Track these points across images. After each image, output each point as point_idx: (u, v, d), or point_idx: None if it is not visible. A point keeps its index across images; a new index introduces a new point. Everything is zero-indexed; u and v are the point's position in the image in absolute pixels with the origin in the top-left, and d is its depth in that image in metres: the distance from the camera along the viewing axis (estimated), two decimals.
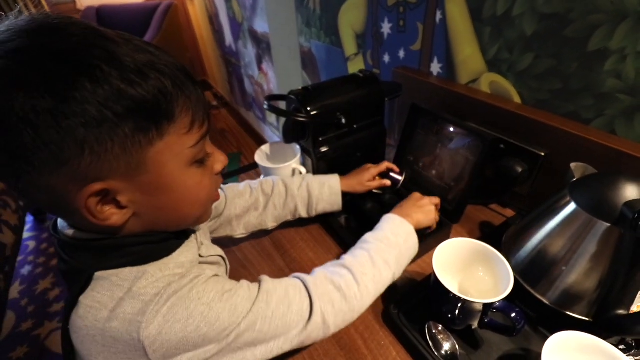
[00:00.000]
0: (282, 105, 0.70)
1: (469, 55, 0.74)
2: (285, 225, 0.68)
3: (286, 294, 0.41)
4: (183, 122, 0.33)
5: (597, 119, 0.58)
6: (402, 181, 0.69)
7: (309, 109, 0.64)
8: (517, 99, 0.69)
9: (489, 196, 0.72)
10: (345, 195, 0.66)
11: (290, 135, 0.69)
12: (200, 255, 0.43)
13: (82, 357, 0.34)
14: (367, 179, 0.68)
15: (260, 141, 2.53)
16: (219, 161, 0.40)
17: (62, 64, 0.27)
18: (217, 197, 0.44)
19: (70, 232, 0.35)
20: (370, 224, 0.62)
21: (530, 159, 0.63)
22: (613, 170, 0.53)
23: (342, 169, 0.75)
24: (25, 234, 1.89)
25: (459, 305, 0.43)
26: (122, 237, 0.35)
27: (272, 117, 2.16)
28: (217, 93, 3.32)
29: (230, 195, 0.61)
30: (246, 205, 0.61)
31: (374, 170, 0.69)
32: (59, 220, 0.37)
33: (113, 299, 0.33)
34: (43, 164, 0.27)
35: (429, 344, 0.47)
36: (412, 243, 0.53)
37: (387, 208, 0.59)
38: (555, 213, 0.47)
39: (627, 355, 0.41)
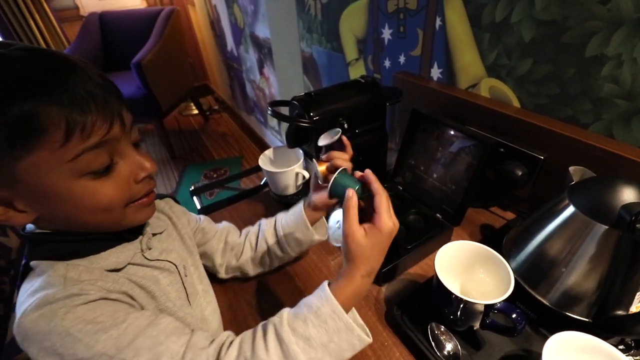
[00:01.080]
0: (285, 110, 0.71)
1: (468, 60, 0.75)
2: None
3: (161, 348, 0.34)
4: (54, 136, 0.31)
5: (595, 123, 0.59)
6: None
7: (312, 114, 0.66)
8: (516, 104, 0.70)
9: (489, 199, 0.73)
10: None
11: (294, 140, 0.70)
12: (145, 257, 0.43)
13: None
14: (317, 186, 0.56)
15: (262, 145, 2.54)
16: (144, 168, 0.38)
17: None
18: (146, 201, 0.41)
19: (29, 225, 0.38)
20: None
21: (530, 162, 0.64)
22: (611, 174, 0.54)
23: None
24: None
25: (461, 306, 0.44)
26: (47, 232, 0.38)
27: (273, 121, 2.17)
28: (219, 97, 3.34)
29: (222, 231, 0.61)
30: (233, 243, 0.60)
31: (320, 167, 0.55)
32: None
33: (31, 287, 0.35)
34: None
35: (431, 344, 0.47)
36: (354, 342, 0.38)
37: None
38: (555, 216, 0.48)
39: (627, 355, 0.42)
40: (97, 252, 0.39)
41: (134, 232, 0.43)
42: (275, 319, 0.39)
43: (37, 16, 2.69)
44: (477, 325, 0.48)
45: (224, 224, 0.63)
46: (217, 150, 2.71)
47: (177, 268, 0.48)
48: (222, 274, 0.61)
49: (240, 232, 0.63)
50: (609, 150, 0.55)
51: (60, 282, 0.35)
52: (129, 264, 0.41)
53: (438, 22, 0.78)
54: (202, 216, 0.61)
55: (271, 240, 0.59)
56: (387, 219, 0.39)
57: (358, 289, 0.39)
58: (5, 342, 1.34)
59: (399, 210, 0.65)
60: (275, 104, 0.68)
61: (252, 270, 0.61)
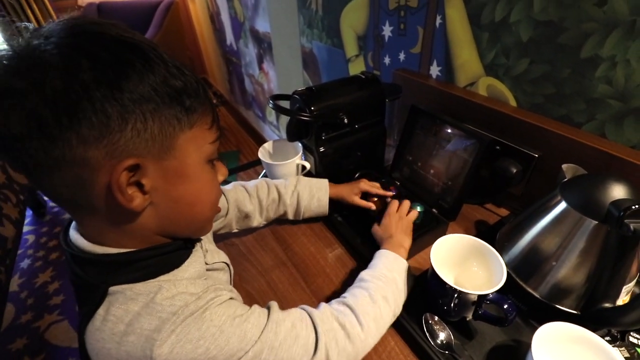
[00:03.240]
0: (286, 104, 0.72)
1: (467, 59, 0.76)
2: (286, 220, 0.71)
3: (293, 326, 0.41)
4: (206, 119, 0.37)
5: (588, 123, 0.61)
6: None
7: (312, 108, 0.67)
8: (512, 102, 0.71)
9: (484, 196, 0.75)
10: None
11: (294, 133, 0.71)
12: (206, 263, 0.45)
13: None
14: (356, 193, 0.69)
15: (259, 139, 2.54)
16: (222, 173, 0.43)
17: (125, 47, 0.31)
18: (219, 209, 0.47)
19: (83, 244, 0.35)
20: (367, 220, 0.65)
21: (525, 160, 0.65)
22: (602, 172, 0.56)
23: (342, 166, 0.78)
24: (25, 228, 1.89)
25: (455, 296, 0.46)
26: (132, 252, 0.36)
27: (271, 116, 2.17)
28: (217, 91, 3.33)
29: (232, 199, 0.65)
30: (247, 210, 0.65)
31: (364, 185, 0.70)
32: (71, 232, 0.37)
33: (128, 313, 0.33)
34: (88, 133, 0.29)
35: (425, 334, 0.49)
36: (407, 277, 0.54)
37: (385, 206, 0.62)
38: (547, 211, 0.50)
39: (613, 346, 0.44)
40: (179, 264, 0.39)
41: (192, 241, 0.44)
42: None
43: (34, 6, 2.66)
44: (469, 316, 0.49)
45: (228, 192, 0.65)
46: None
47: (228, 267, 0.51)
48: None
49: (246, 189, 0.67)
50: (601, 149, 0.56)
51: (183, 300, 0.35)
52: (205, 271, 0.43)
53: (438, 20, 0.79)
54: None
55: (290, 214, 0.69)
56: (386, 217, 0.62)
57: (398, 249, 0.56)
58: (1, 330, 1.35)
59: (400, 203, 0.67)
60: (276, 97, 0.69)
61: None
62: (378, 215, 0.64)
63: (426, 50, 0.86)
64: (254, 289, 0.61)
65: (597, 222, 0.44)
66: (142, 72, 0.30)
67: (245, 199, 0.66)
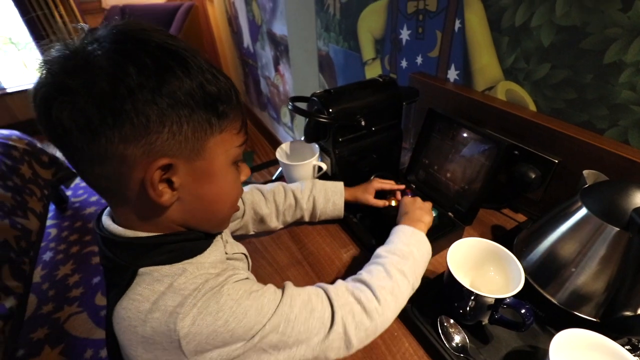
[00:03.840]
0: (303, 106, 0.73)
1: (486, 63, 0.76)
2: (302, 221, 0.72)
3: (309, 300, 0.42)
4: (236, 124, 0.39)
5: (610, 129, 0.60)
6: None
7: (330, 110, 0.68)
8: (532, 107, 0.71)
9: (501, 201, 0.74)
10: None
11: (311, 135, 0.72)
12: (226, 253, 0.47)
13: (123, 347, 0.37)
14: (370, 192, 0.71)
15: (274, 141, 2.57)
16: (245, 173, 0.45)
17: (167, 54, 0.33)
18: (238, 208, 0.49)
19: (115, 228, 0.38)
20: (382, 221, 0.65)
21: (544, 165, 0.65)
22: (624, 178, 0.55)
23: (358, 168, 0.78)
24: (48, 222, 1.96)
25: (472, 299, 0.46)
26: (159, 235, 0.39)
27: (286, 117, 2.20)
28: None
29: (248, 202, 0.66)
30: (263, 214, 0.67)
31: (377, 184, 0.72)
32: (104, 218, 0.40)
33: (155, 292, 0.35)
34: (129, 132, 0.32)
35: (440, 336, 0.49)
36: (425, 250, 0.54)
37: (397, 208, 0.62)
38: (567, 217, 0.50)
39: (634, 355, 0.43)
40: (201, 251, 0.41)
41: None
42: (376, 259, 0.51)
43: (61, 7, 2.77)
44: (485, 320, 0.49)
45: (248, 192, 0.68)
46: None
47: (246, 257, 0.53)
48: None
49: (263, 193, 0.68)
50: (624, 156, 0.55)
51: (204, 278, 0.37)
52: (225, 260, 0.45)
53: (457, 24, 0.79)
54: None
55: (307, 217, 0.70)
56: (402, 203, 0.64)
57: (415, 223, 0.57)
58: (24, 319, 1.40)
59: None
60: (295, 99, 0.70)
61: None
62: (395, 218, 0.65)
63: (444, 54, 0.86)
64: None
65: (618, 229, 0.43)
66: (181, 78, 0.33)
67: (261, 202, 0.67)
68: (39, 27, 2.78)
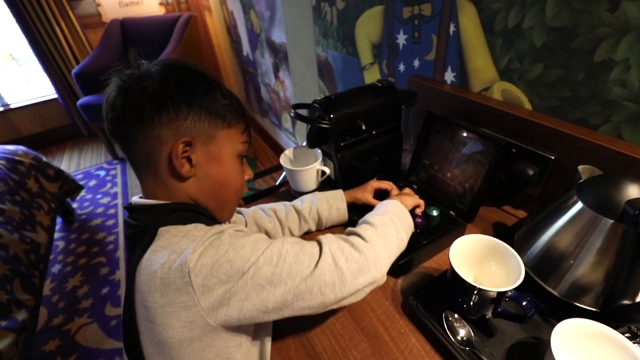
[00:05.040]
0: (305, 113, 0.76)
1: (481, 64, 0.78)
2: None
3: (300, 242, 0.47)
4: (240, 126, 0.51)
5: (604, 125, 0.62)
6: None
7: (331, 116, 0.70)
8: (527, 106, 0.73)
9: (501, 198, 0.76)
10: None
11: (314, 140, 0.75)
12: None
13: (143, 296, 0.42)
14: (369, 191, 0.73)
15: (275, 147, 2.60)
16: (248, 173, 0.56)
17: (197, 75, 0.48)
18: (242, 203, 0.57)
19: (142, 200, 0.48)
20: None
21: (541, 162, 0.67)
22: (617, 172, 0.57)
23: (361, 171, 0.80)
24: (55, 235, 1.99)
25: (475, 293, 0.47)
26: (180, 203, 0.48)
27: (287, 123, 2.22)
28: None
29: (250, 216, 0.70)
30: (267, 228, 0.70)
31: (375, 183, 0.74)
32: (132, 199, 0.50)
33: (172, 243, 0.43)
34: (166, 117, 0.44)
35: (446, 331, 0.51)
36: (403, 212, 0.58)
37: None
38: (564, 211, 0.51)
39: (633, 343, 0.44)
40: (207, 221, 0.49)
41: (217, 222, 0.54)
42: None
43: (62, 22, 2.81)
44: (489, 314, 0.51)
45: (246, 211, 0.71)
46: None
47: None
48: None
49: (264, 211, 0.72)
50: (617, 150, 0.57)
51: (212, 229, 0.45)
52: None
53: (452, 28, 0.82)
54: None
55: (313, 228, 0.74)
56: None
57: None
58: (36, 332, 1.42)
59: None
60: (297, 106, 0.73)
61: None
62: None
63: (440, 57, 0.88)
64: None
65: (613, 221, 0.45)
66: (204, 89, 0.47)
67: (263, 218, 0.70)
68: (41, 42, 2.83)
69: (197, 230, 0.44)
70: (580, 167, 0.53)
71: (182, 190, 0.48)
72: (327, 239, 0.48)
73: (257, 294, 0.41)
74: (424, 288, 0.59)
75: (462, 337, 0.50)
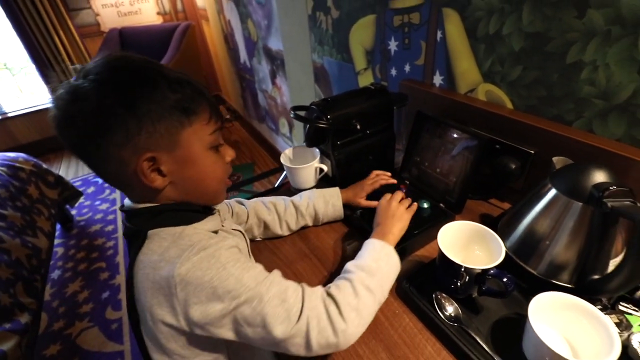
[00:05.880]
0: (304, 114, 0.81)
1: (466, 68, 0.84)
2: None
3: (285, 291, 0.46)
4: (204, 116, 0.48)
5: (577, 121, 0.67)
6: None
7: (328, 117, 0.75)
8: (509, 105, 0.78)
9: (488, 191, 0.81)
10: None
11: (312, 140, 0.80)
12: (222, 226, 0.57)
13: (139, 293, 0.47)
14: (361, 196, 0.77)
15: (273, 151, 2.65)
16: (229, 154, 0.54)
17: (138, 76, 0.44)
18: (229, 182, 0.57)
19: (132, 204, 0.50)
20: None
21: (522, 156, 0.72)
22: (586, 161, 0.62)
23: (356, 169, 0.85)
24: (55, 241, 2.01)
25: (461, 272, 0.52)
26: (165, 204, 0.49)
27: (284, 128, 2.28)
28: (230, 107, 3.48)
29: (251, 208, 0.75)
30: (266, 220, 0.74)
31: (368, 188, 0.78)
32: (125, 200, 0.52)
33: (161, 247, 0.46)
34: (118, 139, 0.43)
35: (436, 309, 0.55)
36: (393, 263, 0.56)
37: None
38: (540, 198, 0.56)
39: (605, 314, 0.49)
40: (198, 220, 0.51)
41: (210, 209, 0.56)
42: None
43: (61, 32, 2.86)
44: (475, 293, 0.56)
45: (248, 203, 0.76)
46: None
47: (243, 235, 0.62)
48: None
49: (264, 204, 0.76)
50: (589, 143, 0.63)
51: (199, 237, 0.47)
52: (219, 230, 0.55)
53: (439, 34, 0.88)
54: (231, 202, 0.73)
55: (310, 223, 0.78)
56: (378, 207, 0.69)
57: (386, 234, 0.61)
58: (38, 334, 1.44)
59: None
60: (296, 108, 0.78)
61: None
62: None
63: (429, 62, 0.94)
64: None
65: (582, 203, 0.50)
66: (150, 92, 0.43)
67: (263, 209, 0.75)
68: (40, 52, 2.87)
69: (184, 238, 0.46)
70: (554, 159, 0.59)
71: (164, 196, 0.49)
72: (311, 300, 0.46)
73: (230, 324, 0.45)
74: (416, 273, 0.63)
75: (450, 314, 0.54)
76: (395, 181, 0.81)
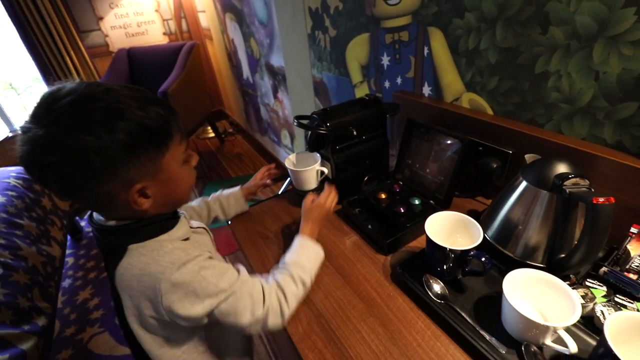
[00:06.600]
0: (305, 122, 0.90)
1: (451, 79, 0.94)
2: None
3: (252, 288, 0.57)
4: (177, 137, 0.53)
5: (548, 123, 0.76)
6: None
7: (328, 124, 0.84)
8: (489, 111, 0.87)
9: (474, 190, 0.89)
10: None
11: (313, 145, 0.88)
12: (191, 227, 0.63)
13: (125, 299, 0.54)
14: (255, 181, 0.94)
15: (275, 163, 2.73)
16: (194, 158, 0.60)
17: (108, 115, 0.45)
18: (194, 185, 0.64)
19: (108, 223, 0.53)
20: (376, 212, 0.80)
21: (502, 156, 0.81)
22: (551, 155, 0.70)
23: (354, 172, 0.93)
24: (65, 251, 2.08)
25: (446, 252, 0.59)
26: (141, 221, 0.53)
27: (286, 140, 2.37)
28: (233, 121, 3.59)
29: (189, 210, 0.84)
30: (194, 216, 0.84)
31: (258, 174, 0.95)
32: (94, 215, 0.55)
33: (141, 262, 0.52)
34: (106, 178, 0.46)
35: (425, 289, 0.63)
36: (319, 258, 0.70)
37: (391, 200, 0.77)
38: (514, 190, 0.64)
39: (573, 289, 0.56)
40: (172, 227, 0.57)
41: (177, 213, 0.62)
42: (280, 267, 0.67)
43: (72, 52, 3.01)
44: (460, 275, 0.63)
45: (196, 201, 0.87)
46: (233, 168, 2.92)
47: (207, 231, 0.70)
48: None
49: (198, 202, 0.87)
50: (558, 142, 0.71)
51: (177, 254, 0.53)
52: (190, 235, 0.60)
53: (426, 50, 0.98)
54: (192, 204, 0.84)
55: (222, 217, 0.89)
56: (322, 199, 0.77)
57: (311, 231, 0.73)
58: (54, 337, 1.49)
59: (402, 198, 0.83)
60: (299, 117, 0.87)
61: None
62: (388, 208, 0.81)
63: (418, 75, 1.04)
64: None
65: (547, 192, 0.58)
66: (124, 128, 0.45)
67: (194, 211, 0.85)
68: (51, 71, 3.01)
69: (163, 251, 0.52)
70: (526, 156, 0.67)
71: (141, 213, 0.53)
72: (270, 295, 0.58)
73: (207, 317, 0.54)
74: (408, 260, 0.71)
75: (438, 293, 0.62)
76: (277, 172, 0.97)
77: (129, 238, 0.53)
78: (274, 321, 0.58)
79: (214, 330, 0.65)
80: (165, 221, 0.56)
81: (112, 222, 0.53)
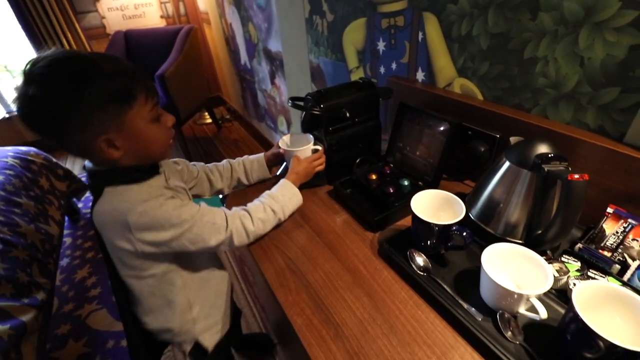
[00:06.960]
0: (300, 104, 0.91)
1: (444, 65, 0.95)
2: (302, 194, 0.88)
3: (214, 217, 0.69)
4: (141, 98, 0.59)
5: (535, 108, 0.78)
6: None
7: (322, 105, 0.86)
8: (480, 97, 0.89)
9: (462, 174, 0.92)
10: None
11: (307, 126, 0.90)
12: (167, 183, 0.71)
13: (101, 231, 0.66)
14: (277, 149, 0.97)
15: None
16: (169, 120, 0.67)
17: (78, 78, 0.54)
18: (170, 144, 0.70)
19: (93, 166, 0.64)
20: (367, 192, 0.83)
21: (490, 140, 0.83)
22: (533, 137, 0.72)
23: (347, 154, 0.96)
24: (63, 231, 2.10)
25: (430, 227, 0.62)
26: (119, 167, 0.63)
27: (283, 126, 2.39)
28: (230, 107, 3.59)
29: (201, 168, 0.91)
30: (211, 178, 0.92)
31: (275, 147, 0.98)
32: (85, 163, 0.65)
33: (112, 201, 0.62)
34: (78, 128, 0.55)
35: (409, 262, 0.66)
36: (296, 199, 0.82)
37: (381, 182, 0.79)
38: (497, 170, 0.67)
39: (549, 263, 0.59)
40: (147, 179, 0.66)
41: (157, 168, 0.70)
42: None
43: (68, 34, 2.98)
44: (442, 250, 0.66)
45: (203, 165, 0.93)
46: (230, 154, 2.93)
47: (186, 191, 0.77)
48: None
49: (209, 167, 0.93)
50: (543, 126, 0.73)
51: (143, 193, 0.63)
52: (164, 187, 0.69)
53: (420, 36, 0.99)
54: (181, 161, 0.87)
55: (244, 179, 0.95)
56: (310, 158, 0.90)
57: (294, 180, 0.85)
58: (52, 313, 1.53)
59: (392, 179, 0.86)
60: (294, 99, 0.88)
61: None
62: (378, 189, 0.83)
63: (412, 60, 1.06)
64: (280, 244, 0.79)
65: (528, 170, 0.61)
66: (92, 89, 0.54)
67: (209, 171, 0.91)
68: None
69: (132, 192, 0.63)
70: (511, 138, 0.70)
71: (114, 162, 0.62)
72: (233, 220, 0.71)
73: (178, 246, 0.66)
74: (394, 237, 0.74)
75: (421, 266, 0.65)
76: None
77: (105, 181, 0.63)
78: (239, 240, 0.72)
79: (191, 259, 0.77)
80: (140, 172, 0.65)
81: (97, 167, 0.63)
